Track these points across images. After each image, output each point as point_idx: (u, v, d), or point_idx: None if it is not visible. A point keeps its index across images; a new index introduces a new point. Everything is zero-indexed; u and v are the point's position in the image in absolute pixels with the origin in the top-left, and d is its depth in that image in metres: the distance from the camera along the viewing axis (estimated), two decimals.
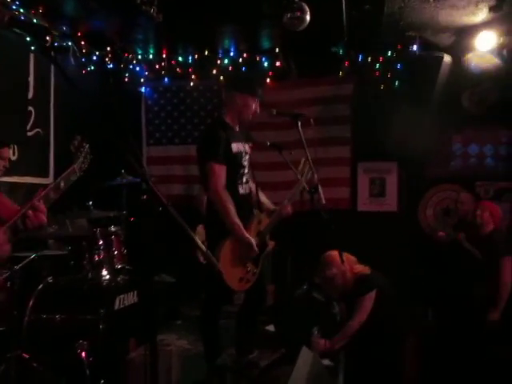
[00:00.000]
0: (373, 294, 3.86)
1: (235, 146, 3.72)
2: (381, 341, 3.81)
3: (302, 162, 3.90)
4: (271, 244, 3.93)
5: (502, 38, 5.00)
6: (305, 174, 3.86)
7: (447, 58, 5.12)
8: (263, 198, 4.05)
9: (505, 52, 4.99)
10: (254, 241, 3.64)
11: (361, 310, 3.85)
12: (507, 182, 5.57)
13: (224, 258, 3.52)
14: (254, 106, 3.80)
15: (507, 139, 5.70)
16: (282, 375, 2.52)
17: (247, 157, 3.86)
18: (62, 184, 2.02)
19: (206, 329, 3.86)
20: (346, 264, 3.86)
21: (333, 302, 4.78)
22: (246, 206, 3.74)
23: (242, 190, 3.76)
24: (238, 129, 3.87)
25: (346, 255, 3.82)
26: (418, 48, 5.30)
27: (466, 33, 5.03)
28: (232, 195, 3.61)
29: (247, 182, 3.85)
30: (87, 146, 2.15)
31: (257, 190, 3.97)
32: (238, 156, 3.75)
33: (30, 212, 1.87)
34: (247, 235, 3.61)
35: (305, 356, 2.78)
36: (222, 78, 6.17)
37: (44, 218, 1.91)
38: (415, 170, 5.94)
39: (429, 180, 5.95)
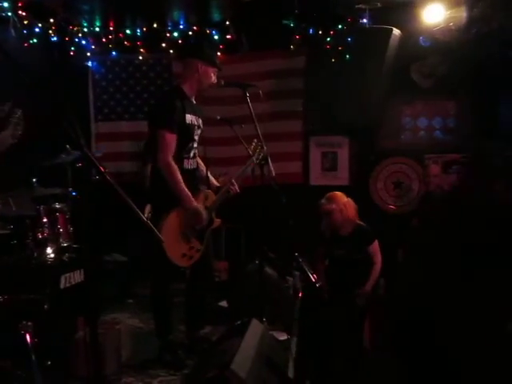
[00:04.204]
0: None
1: (189, 118, 3.65)
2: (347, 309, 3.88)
3: (255, 142, 3.87)
4: (217, 222, 3.89)
5: (450, 11, 5.03)
6: (256, 154, 3.83)
7: (396, 31, 5.12)
8: (209, 174, 3.99)
9: (453, 24, 5.01)
10: (202, 209, 3.60)
11: (377, 254, 4.23)
12: (455, 154, 5.67)
13: (167, 232, 3.46)
14: (213, 76, 3.74)
15: (455, 112, 5.81)
16: (230, 347, 2.49)
17: (199, 131, 3.79)
18: None
19: (156, 305, 3.82)
20: (347, 207, 4.20)
21: (285, 276, 4.81)
22: (191, 181, 3.67)
23: (187, 165, 3.69)
24: (194, 101, 3.78)
25: (350, 201, 4.25)
26: (367, 21, 5.28)
27: (414, 5, 5.04)
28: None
29: (194, 156, 3.79)
30: (20, 112, 2.03)
31: (206, 167, 3.91)
32: (191, 128, 3.67)
33: None
34: (196, 204, 3.56)
35: (254, 328, 2.76)
36: (171, 51, 6.05)
37: None
38: (366, 144, 5.98)
39: (379, 153, 6.01)
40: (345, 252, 4.25)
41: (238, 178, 3.84)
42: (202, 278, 3.91)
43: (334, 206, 4.21)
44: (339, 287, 4.22)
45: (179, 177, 3.51)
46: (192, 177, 3.71)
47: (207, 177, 3.89)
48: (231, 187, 3.80)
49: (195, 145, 3.77)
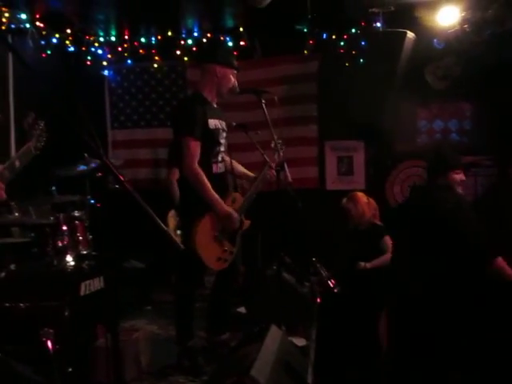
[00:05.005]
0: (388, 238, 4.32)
1: (212, 122, 3.65)
2: (360, 314, 3.88)
3: (274, 141, 3.87)
4: (247, 223, 3.89)
5: (464, 13, 5.01)
6: (278, 149, 3.83)
7: (410, 34, 5.11)
8: (240, 168, 4.00)
9: (467, 26, 4.98)
10: (234, 212, 3.61)
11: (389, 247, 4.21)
12: (471, 156, 5.63)
13: (201, 237, 3.49)
14: (233, 78, 3.74)
15: (471, 113, 5.77)
16: (249, 353, 2.50)
17: (224, 134, 3.79)
18: (18, 162, 1.95)
19: (180, 311, 3.83)
20: (367, 207, 4.53)
21: (303, 282, 4.80)
22: (220, 185, 3.68)
23: (216, 169, 3.70)
24: (215, 105, 3.78)
25: (371, 202, 4.59)
26: (381, 24, 5.27)
27: (428, 8, 5.02)
28: (206, 174, 3.54)
29: (222, 160, 3.78)
30: (42, 124, 2.07)
31: (232, 165, 3.90)
32: (215, 132, 3.68)
33: None
34: (227, 207, 3.57)
35: (274, 334, 2.76)
36: (186, 58, 6.09)
37: (3, 193, 1.86)
38: (382, 148, 5.96)
39: (395, 157, 5.99)
40: (360, 246, 4.45)
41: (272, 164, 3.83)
42: (229, 282, 3.93)
43: (351, 204, 4.55)
44: (356, 283, 4.26)
45: (207, 183, 3.51)
46: (221, 180, 3.72)
47: (238, 174, 3.91)
48: (268, 173, 3.83)
49: (222, 148, 3.77)
